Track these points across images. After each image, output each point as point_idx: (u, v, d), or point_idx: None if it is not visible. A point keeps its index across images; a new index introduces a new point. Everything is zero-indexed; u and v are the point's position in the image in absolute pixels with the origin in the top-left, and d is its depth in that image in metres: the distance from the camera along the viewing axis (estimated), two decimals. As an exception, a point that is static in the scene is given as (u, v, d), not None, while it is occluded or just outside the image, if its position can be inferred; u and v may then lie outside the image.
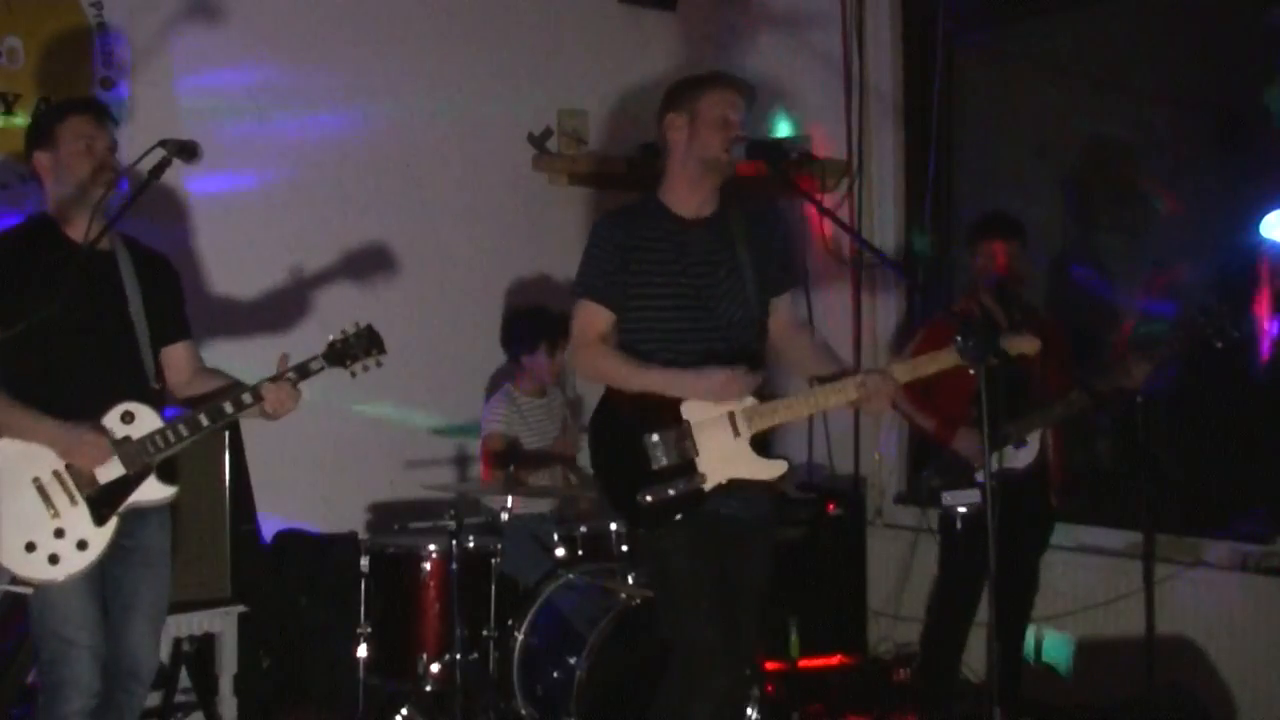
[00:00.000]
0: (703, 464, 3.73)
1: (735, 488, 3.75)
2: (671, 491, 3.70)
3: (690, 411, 3.74)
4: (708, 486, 3.72)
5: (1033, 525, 4.95)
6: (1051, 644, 5.48)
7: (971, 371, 3.56)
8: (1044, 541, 5.09)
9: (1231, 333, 4.58)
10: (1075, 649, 5.44)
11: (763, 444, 3.81)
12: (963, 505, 4.81)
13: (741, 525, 3.82)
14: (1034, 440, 4.85)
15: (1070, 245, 6.06)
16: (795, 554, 5.78)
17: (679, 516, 3.72)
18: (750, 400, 3.75)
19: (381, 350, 3.95)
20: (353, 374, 3.93)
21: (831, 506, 5.99)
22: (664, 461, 3.72)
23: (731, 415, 3.75)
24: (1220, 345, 4.58)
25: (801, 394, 3.85)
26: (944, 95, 6.11)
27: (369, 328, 3.95)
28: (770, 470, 3.81)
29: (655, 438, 3.72)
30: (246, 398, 3.76)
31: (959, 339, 3.55)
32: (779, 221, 4.08)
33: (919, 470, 5.02)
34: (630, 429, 3.75)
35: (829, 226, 6.24)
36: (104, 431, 3.64)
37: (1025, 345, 3.86)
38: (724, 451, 3.74)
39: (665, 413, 3.74)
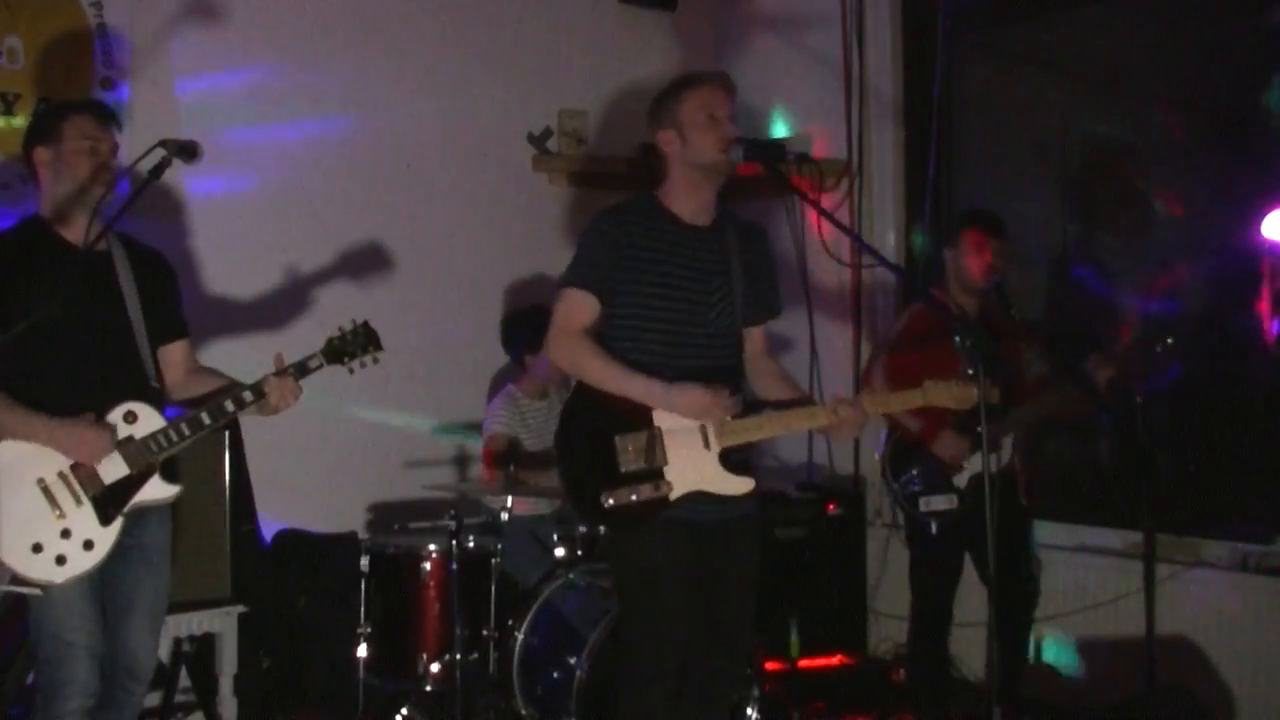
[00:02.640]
0: (671, 473, 3.69)
1: (701, 497, 3.72)
2: (634, 496, 3.66)
3: (662, 418, 3.70)
4: (673, 496, 3.69)
5: (1007, 528, 4.92)
6: (1052, 646, 5.48)
7: (971, 372, 3.57)
8: (1024, 541, 5.05)
9: (1166, 367, 4.64)
10: (1075, 649, 5.44)
11: (736, 456, 3.76)
12: (939, 508, 4.80)
13: (720, 527, 3.78)
14: (1007, 442, 4.86)
15: (1070, 245, 6.06)
16: (795, 554, 5.79)
17: (639, 522, 3.68)
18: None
19: (378, 347, 3.96)
20: (350, 370, 3.94)
21: (831, 506, 6.00)
22: (632, 465, 3.68)
23: (704, 427, 3.72)
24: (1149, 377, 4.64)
25: (774, 414, 3.84)
26: (944, 95, 6.11)
27: (365, 324, 3.96)
28: (737, 486, 3.76)
29: (626, 440, 3.68)
30: (247, 395, 3.76)
31: (958, 340, 3.56)
32: (769, 246, 4.08)
33: (897, 475, 4.95)
34: (600, 427, 3.71)
35: (827, 227, 6.23)
36: (105, 424, 3.64)
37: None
38: (693, 462, 3.71)
39: (637, 415, 3.70)
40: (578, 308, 3.81)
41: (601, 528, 3.82)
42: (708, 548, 3.78)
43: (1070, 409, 4.92)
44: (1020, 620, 5.00)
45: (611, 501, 3.66)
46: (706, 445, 3.72)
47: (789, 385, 4.01)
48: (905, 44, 6.34)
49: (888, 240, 6.33)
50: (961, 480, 4.82)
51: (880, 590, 6.16)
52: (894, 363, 4.96)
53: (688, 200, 3.85)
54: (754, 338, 3.99)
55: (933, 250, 5.95)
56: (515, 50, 6.48)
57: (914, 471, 4.89)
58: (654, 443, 3.69)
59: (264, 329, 5.59)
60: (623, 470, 3.67)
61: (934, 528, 4.84)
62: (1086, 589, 5.40)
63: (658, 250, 3.78)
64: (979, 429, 3.52)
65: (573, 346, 3.81)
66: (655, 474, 3.69)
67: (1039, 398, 4.82)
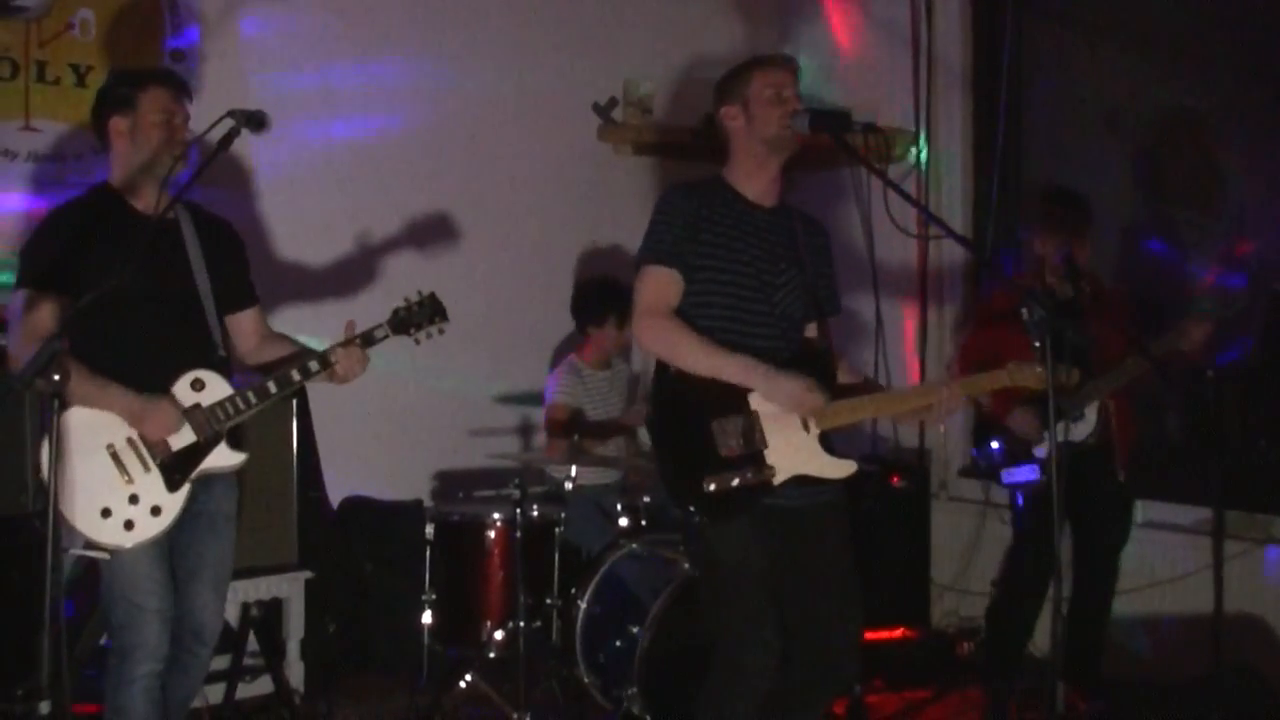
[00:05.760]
0: (772, 456, 3.61)
1: (800, 481, 3.66)
2: (737, 481, 3.55)
3: (759, 402, 3.63)
4: (777, 480, 3.61)
5: (1105, 505, 4.88)
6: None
7: (1037, 344, 3.53)
8: (1123, 525, 4.99)
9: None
10: (1143, 626, 5.39)
11: (828, 439, 3.71)
12: (1022, 480, 4.76)
13: (806, 515, 3.71)
14: (1091, 412, 4.79)
15: (1140, 216, 5.97)
16: (859, 527, 5.73)
17: (741, 509, 3.59)
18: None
19: (444, 318, 3.98)
20: (416, 341, 3.97)
21: (896, 479, 5.98)
22: (732, 449, 3.58)
23: None
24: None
25: (871, 397, 3.78)
26: (1013, 64, 6.03)
27: (432, 295, 3.98)
28: (839, 469, 3.70)
29: (724, 423, 3.59)
30: (314, 365, 3.79)
31: (1025, 313, 3.52)
32: (829, 240, 4.01)
33: (980, 447, 4.96)
34: (697, 411, 3.61)
35: (894, 199, 6.17)
36: (175, 401, 3.69)
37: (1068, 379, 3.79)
38: (794, 446, 3.63)
39: (732, 399, 3.62)
40: (664, 287, 3.71)
41: (697, 515, 3.62)
42: (796, 534, 3.71)
43: (1150, 377, 4.84)
44: (1103, 600, 4.95)
45: (714, 486, 3.54)
46: (805, 428, 3.65)
47: (851, 371, 3.99)
48: (974, 11, 6.27)
49: (955, 212, 6.26)
50: (1044, 453, 4.77)
51: (944, 564, 6.14)
52: (969, 343, 4.96)
53: (752, 180, 3.82)
54: (813, 330, 3.94)
55: (1006, 224, 5.91)
56: (580, 19, 6.47)
57: (995, 443, 4.86)
58: (752, 426, 3.61)
59: (331, 296, 5.65)
60: (723, 454, 3.58)
61: (1020, 499, 4.81)
62: (1155, 565, 5.35)
63: (728, 228, 3.74)
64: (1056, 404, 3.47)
65: (665, 328, 3.67)
66: (756, 458, 3.60)
67: (1117, 368, 4.75)
